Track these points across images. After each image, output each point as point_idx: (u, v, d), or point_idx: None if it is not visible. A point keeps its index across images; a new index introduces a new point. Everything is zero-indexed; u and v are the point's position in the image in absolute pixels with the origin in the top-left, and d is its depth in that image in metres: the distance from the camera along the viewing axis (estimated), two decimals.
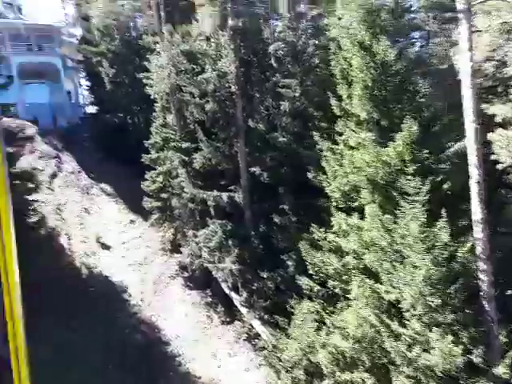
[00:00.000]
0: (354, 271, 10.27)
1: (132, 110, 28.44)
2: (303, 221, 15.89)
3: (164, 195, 20.67)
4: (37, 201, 21.29)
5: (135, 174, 25.35)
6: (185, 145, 18.43)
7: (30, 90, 32.17)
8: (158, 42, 20.55)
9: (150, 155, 20.27)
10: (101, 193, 26.00)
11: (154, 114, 21.24)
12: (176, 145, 18.65)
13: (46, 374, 12.26)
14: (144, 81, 20.94)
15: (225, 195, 17.54)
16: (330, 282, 11.19)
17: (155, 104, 20.48)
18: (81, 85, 37.46)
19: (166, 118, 20.24)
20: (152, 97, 20.38)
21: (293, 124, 16.95)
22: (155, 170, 21.14)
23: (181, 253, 21.40)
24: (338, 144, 11.74)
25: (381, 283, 9.57)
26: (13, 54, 30.66)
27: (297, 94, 16.92)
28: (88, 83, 33.70)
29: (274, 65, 17.83)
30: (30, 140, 24.81)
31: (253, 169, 17.67)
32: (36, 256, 18.28)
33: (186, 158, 18.12)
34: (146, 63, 21.69)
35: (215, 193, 17.58)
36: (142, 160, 20.60)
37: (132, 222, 23.88)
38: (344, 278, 10.68)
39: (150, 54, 21.98)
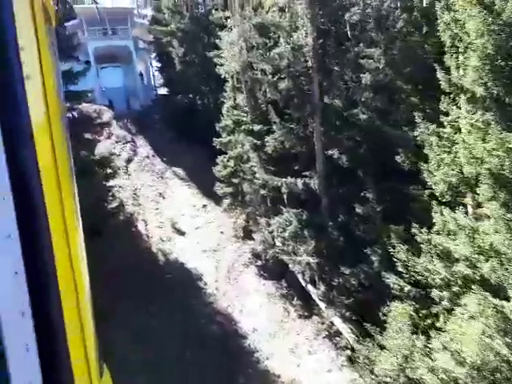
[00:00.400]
0: (467, 283, 8.50)
1: (202, 91, 27.91)
2: (389, 210, 14.16)
3: (235, 180, 19.92)
4: (114, 186, 21.82)
5: (206, 155, 25.13)
6: (256, 127, 17.31)
7: (105, 74, 33.09)
8: (228, 17, 19.32)
9: (220, 139, 19.47)
10: (173, 176, 26.12)
11: (224, 94, 20.34)
12: (247, 127, 17.60)
13: (125, 357, 12.44)
14: (214, 60, 20.00)
15: (299, 181, 16.27)
16: (435, 292, 9.50)
17: (226, 84, 19.49)
18: (152, 66, 37.79)
19: (236, 99, 19.21)
20: (222, 76, 19.38)
21: (375, 99, 14.95)
22: (226, 153, 20.38)
23: (253, 239, 20.75)
24: (443, 126, 9.73)
25: (506, 300, 7.75)
26: (89, 40, 31.54)
27: (380, 65, 14.80)
28: (159, 64, 33.83)
29: (355, 33, 15.75)
30: (107, 125, 25.37)
31: (330, 151, 16.09)
32: (115, 242, 18.77)
33: (258, 142, 17.01)
34: (215, 41, 20.73)
35: (289, 179, 16.37)
36: (214, 144, 19.91)
37: (204, 206, 23.66)
38: (455, 289, 8.94)
39: (219, 30, 21.01)
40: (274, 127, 16.24)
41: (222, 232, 21.97)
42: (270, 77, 17.01)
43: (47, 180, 0.86)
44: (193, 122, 26.85)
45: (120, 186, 23.48)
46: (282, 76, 16.78)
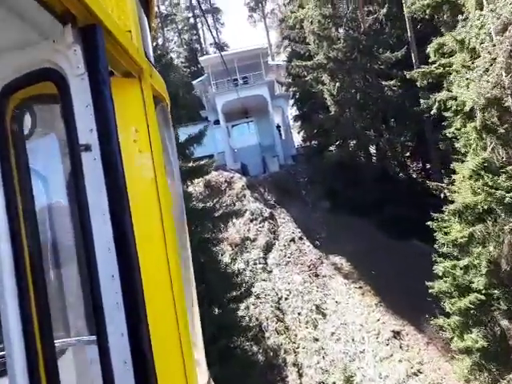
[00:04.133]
0: None
1: (367, 137, 19.02)
2: None
3: (485, 318, 9.55)
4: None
5: (382, 234, 16.43)
6: None
7: (237, 132, 27.00)
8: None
9: (455, 234, 9.56)
10: (334, 272, 16.97)
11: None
12: None
13: None
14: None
15: None
16: None
17: (450, 128, 9.94)
18: (289, 118, 30.52)
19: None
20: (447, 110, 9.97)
21: None
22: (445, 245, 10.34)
23: None
24: None
25: None
26: (217, 95, 25.95)
27: None
28: (300, 111, 26.45)
29: None
30: (238, 215, 17.98)
31: None
32: None
33: None
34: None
35: None
36: (431, 228, 10.16)
37: (397, 335, 13.62)
38: None
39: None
40: None
41: None
42: None
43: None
44: (356, 183, 18.41)
45: (257, 296, 15.34)
46: None
